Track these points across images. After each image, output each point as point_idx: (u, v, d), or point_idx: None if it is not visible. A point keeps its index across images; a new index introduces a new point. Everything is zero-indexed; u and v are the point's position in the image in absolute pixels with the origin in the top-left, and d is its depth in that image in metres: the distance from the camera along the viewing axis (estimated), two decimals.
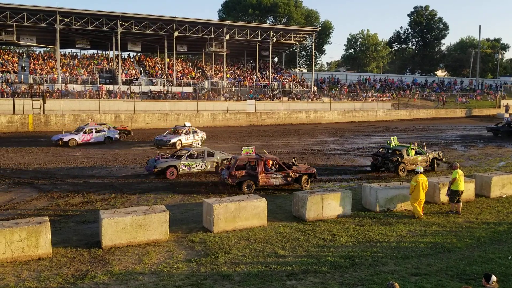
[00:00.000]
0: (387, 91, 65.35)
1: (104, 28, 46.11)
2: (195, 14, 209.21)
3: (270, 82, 57.03)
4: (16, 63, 48.19)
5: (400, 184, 16.40)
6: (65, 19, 43.83)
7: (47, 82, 44.20)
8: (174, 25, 48.84)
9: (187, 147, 22.55)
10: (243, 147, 18.28)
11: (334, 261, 10.61)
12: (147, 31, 48.07)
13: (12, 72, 45.14)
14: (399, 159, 21.00)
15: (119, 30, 46.32)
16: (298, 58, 69.91)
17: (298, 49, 65.85)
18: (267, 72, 59.69)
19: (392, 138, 23.03)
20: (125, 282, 9.36)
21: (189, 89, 50.04)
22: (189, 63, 60.32)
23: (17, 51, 54.44)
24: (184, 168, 20.11)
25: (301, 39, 60.41)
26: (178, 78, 51.72)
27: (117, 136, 31.65)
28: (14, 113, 36.28)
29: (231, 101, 48.69)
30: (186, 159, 20.38)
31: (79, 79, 46.30)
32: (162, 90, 47.62)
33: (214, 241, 11.89)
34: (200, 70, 57.58)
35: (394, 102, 59.79)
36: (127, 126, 35.89)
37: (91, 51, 57.34)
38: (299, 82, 60.75)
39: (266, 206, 13.43)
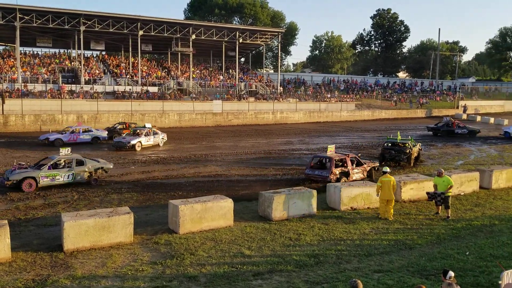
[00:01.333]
0: (350, 92, 66.54)
1: (66, 26, 44.89)
2: (161, 14, 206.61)
3: (237, 83, 57.05)
4: None
5: (363, 183, 16.79)
6: (26, 17, 42.43)
7: (6, 82, 42.63)
8: (139, 24, 48.12)
9: (53, 155, 19.28)
10: (328, 146, 20.39)
11: (299, 259, 10.76)
12: (111, 30, 47.15)
13: None
14: (410, 151, 23.51)
15: (82, 28, 45.22)
16: (264, 59, 70.26)
17: (264, 50, 66.12)
18: (234, 72, 59.68)
19: (397, 132, 26.68)
20: (88, 286, 9.18)
21: (154, 89, 49.41)
22: (154, 62, 59.56)
23: None
24: (45, 179, 17.63)
25: (267, 40, 60.72)
26: (143, 78, 50.98)
27: (106, 136, 31.48)
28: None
29: (197, 101, 48.38)
30: (49, 168, 17.99)
31: (40, 79, 44.87)
32: (125, 90, 46.84)
33: (180, 242, 11.82)
34: (166, 70, 56.96)
35: (358, 102, 60.93)
36: (155, 125, 35.12)
37: (52, 50, 55.71)
38: (266, 82, 61.05)
39: (233, 206, 13.47)
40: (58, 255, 10.81)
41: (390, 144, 24.72)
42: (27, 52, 53.02)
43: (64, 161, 18.60)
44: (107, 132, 31.94)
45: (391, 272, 10.07)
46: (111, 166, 19.78)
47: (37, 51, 54.39)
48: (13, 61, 46.93)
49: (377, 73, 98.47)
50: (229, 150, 29.16)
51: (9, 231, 10.56)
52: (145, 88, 48.78)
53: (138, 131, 29.53)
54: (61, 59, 52.33)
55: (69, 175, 18.16)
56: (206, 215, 12.92)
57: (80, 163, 18.58)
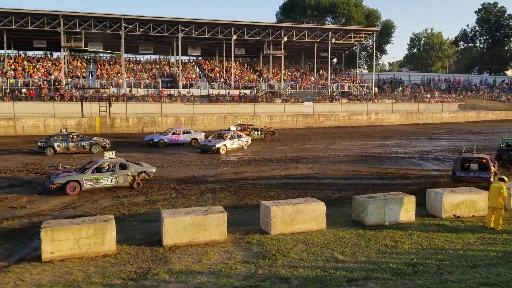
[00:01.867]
0: (453, 91, 62.42)
1: (166, 34, 47.63)
2: (253, 17, 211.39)
3: (329, 84, 56.28)
4: (84, 68, 50.88)
5: (467, 189, 15.53)
6: (129, 26, 45.76)
7: (112, 87, 46.30)
8: (233, 28, 49.52)
9: (98, 159, 19.34)
10: (465, 146, 20.90)
11: (396, 268, 10.19)
12: (207, 36, 49.10)
13: (80, 77, 47.70)
14: None
15: (180, 35, 47.64)
16: (358, 59, 68.46)
17: (358, 50, 64.53)
18: (326, 73, 58.97)
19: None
20: (185, 280, 9.50)
21: (246, 92, 50.50)
22: (246, 66, 60.91)
23: (85, 57, 57.46)
24: (89, 183, 17.72)
25: (361, 39, 59.15)
26: (236, 81, 52.35)
27: (203, 137, 32.18)
28: (82, 116, 38.28)
29: (288, 103, 48.55)
30: (93, 172, 18.06)
31: (142, 83, 48.12)
32: (219, 93, 48.42)
33: (272, 243, 11.82)
34: (258, 72, 57.94)
35: (461, 103, 56.99)
36: (270, 127, 37.31)
37: (153, 56, 59.46)
38: (359, 83, 59.49)
39: (325, 209, 13.18)
40: (158, 249, 11.37)
41: (506, 145, 24.49)
42: (131, 59, 57.13)
43: (108, 164, 18.52)
44: (204, 133, 33.23)
45: (499, 286, 9.16)
46: (154, 170, 19.47)
47: (139, 58, 58.46)
48: (119, 67, 50.80)
49: (483, 71, 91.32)
50: (320, 153, 28.77)
51: (115, 225, 11.33)
52: (237, 91, 50.03)
53: (223, 134, 29.54)
54: (161, 65, 55.59)
55: (112, 178, 18.11)
56: (297, 217, 12.78)
57: (123, 167, 18.48)
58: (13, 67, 47.12)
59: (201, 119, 41.78)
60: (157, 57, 59.52)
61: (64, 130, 28.88)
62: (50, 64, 50.06)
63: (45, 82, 44.71)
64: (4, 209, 15.35)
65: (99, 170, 18.26)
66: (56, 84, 44.75)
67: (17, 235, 12.73)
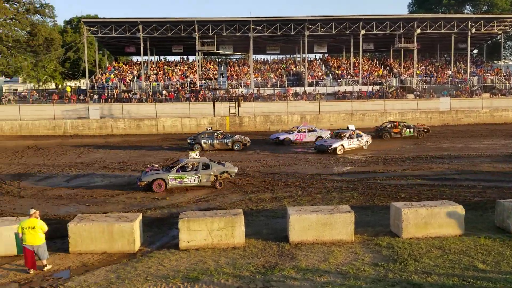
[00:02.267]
0: None
1: (292, 33, 48.19)
2: (382, 11, 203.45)
3: (468, 77, 51.62)
4: (216, 70, 53.98)
5: None
6: (257, 27, 47.28)
7: (241, 87, 48.35)
8: (361, 23, 48.17)
9: (183, 158, 19.76)
10: None
11: None
12: (333, 32, 48.50)
13: (213, 79, 50.71)
14: None
15: (306, 33, 47.83)
16: (502, 49, 61.59)
17: (502, 39, 58.05)
18: (464, 66, 54.20)
19: None
20: (311, 278, 9.43)
21: (375, 88, 48.74)
22: (375, 61, 58.78)
23: (217, 59, 60.88)
24: (173, 181, 18.23)
25: (507, 27, 53.05)
26: (364, 77, 50.87)
27: (328, 135, 31.66)
28: (214, 115, 40.64)
29: (421, 99, 45.67)
30: (177, 171, 18.51)
31: (269, 83, 49.41)
32: (346, 90, 47.49)
33: (403, 247, 11.16)
34: (388, 68, 55.55)
35: None
36: (424, 124, 36.33)
37: (280, 56, 60.67)
38: (504, 76, 53.50)
39: (463, 214, 12.04)
40: (284, 245, 11.49)
41: None
42: (259, 59, 59.02)
43: (192, 164, 18.86)
44: (329, 132, 32.83)
45: None
46: (236, 170, 19.35)
47: (266, 58, 60.10)
48: (247, 68, 52.81)
49: None
50: (458, 152, 26.49)
51: (244, 220, 11.74)
52: (365, 87, 48.56)
53: (340, 133, 28.28)
54: (287, 64, 56.44)
55: (195, 178, 18.38)
56: (431, 221, 11.88)
57: (206, 166, 18.70)
58: (155, 71, 51.97)
59: (327, 117, 41.43)
60: (284, 56, 60.57)
61: (210, 128, 30.87)
62: (186, 68, 54.14)
63: (183, 85, 48.48)
64: (147, 200, 16.94)
65: (183, 169, 18.73)
66: (192, 86, 48.21)
67: (158, 224, 13.95)
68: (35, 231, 10.28)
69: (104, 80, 49.01)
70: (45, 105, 42.32)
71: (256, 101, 43.92)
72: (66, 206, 16.33)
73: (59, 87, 64.99)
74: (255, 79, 49.90)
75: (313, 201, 16.13)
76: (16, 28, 53.48)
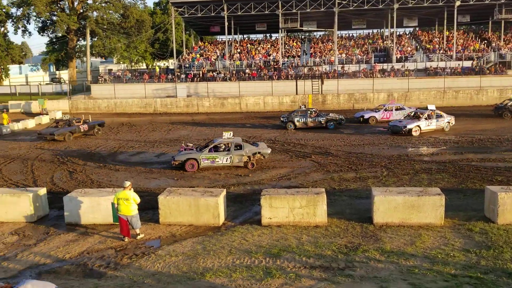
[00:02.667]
0: None
1: (380, 6, 45.96)
2: None
3: None
4: (299, 48, 53.33)
5: None
6: (343, 2, 45.73)
7: (325, 64, 47.38)
8: None
9: (216, 138, 19.88)
10: None
11: None
12: (425, 4, 45.49)
13: (295, 56, 50.22)
14: None
15: (395, 6, 45.38)
16: None
17: None
18: None
19: None
20: (396, 261, 9.13)
21: (470, 63, 45.25)
22: (471, 34, 54.45)
23: (300, 36, 60.08)
24: (205, 161, 18.28)
25: None
26: (458, 52, 47.41)
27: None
28: (296, 93, 40.36)
29: None
30: (210, 151, 18.47)
31: (354, 59, 47.87)
32: (438, 66, 44.62)
33: (498, 233, 10.39)
34: (485, 41, 51.22)
35: None
36: None
37: (366, 31, 58.38)
38: None
39: None
40: (368, 226, 11.21)
41: None
42: (343, 35, 57.28)
43: (224, 144, 18.83)
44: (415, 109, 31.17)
45: None
46: (269, 151, 19.07)
47: (352, 34, 58.13)
48: (331, 44, 51.53)
49: None
50: None
51: (326, 199, 11.60)
52: (459, 63, 45.28)
53: (418, 113, 26.16)
54: (374, 39, 54.21)
55: (227, 158, 18.33)
56: None
57: (238, 147, 18.57)
58: (238, 50, 52.63)
59: (416, 95, 39.32)
60: (370, 31, 58.22)
61: (303, 106, 30.59)
62: (269, 46, 54.15)
63: (266, 63, 48.64)
64: (231, 176, 17.38)
65: (216, 149, 18.78)
66: (274, 64, 48.19)
67: (241, 199, 14.27)
68: (129, 202, 10.99)
69: (190, 59, 50.66)
70: (137, 84, 44.82)
71: (340, 78, 42.87)
72: (156, 179, 17.27)
73: (149, 67, 68.37)
74: (340, 55, 48.62)
75: (399, 182, 15.51)
76: (110, 11, 56.86)
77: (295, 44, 54.65)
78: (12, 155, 22.98)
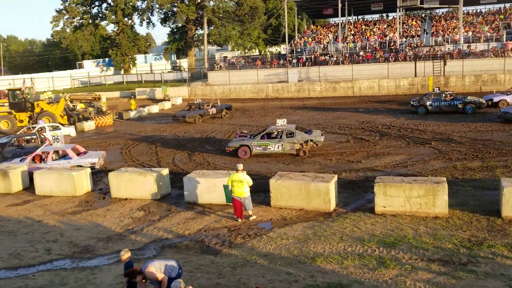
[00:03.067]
0: None
1: None
2: None
3: None
4: (419, 27, 49.95)
5: None
6: None
7: (448, 43, 43.84)
8: None
9: (270, 126, 19.52)
10: None
11: None
12: None
13: (415, 36, 47.18)
14: None
15: None
16: None
17: None
18: None
19: None
20: None
21: None
22: None
23: (420, 15, 56.26)
24: (257, 148, 18.29)
25: None
26: None
27: None
28: (415, 75, 38.00)
29: None
30: (262, 138, 18.45)
31: (482, 37, 43.52)
32: None
33: None
34: None
35: None
36: None
37: (496, 6, 52.66)
38: None
39: None
40: (495, 220, 10.23)
41: None
42: (470, 11, 52.32)
43: (277, 131, 18.69)
44: None
45: None
46: (322, 139, 18.40)
47: (480, 9, 52.86)
48: (456, 22, 47.44)
49: None
50: None
51: (447, 189, 10.76)
52: None
53: None
54: (506, 14, 48.72)
55: (278, 145, 18.16)
56: None
57: (290, 134, 18.30)
58: (352, 32, 51.01)
59: None
60: (501, 6, 52.38)
61: (437, 89, 28.52)
62: (385, 26, 51.62)
63: (381, 44, 46.52)
64: (343, 162, 17.01)
65: (268, 136, 18.74)
66: (391, 45, 45.86)
67: (353, 186, 13.90)
68: (242, 185, 11.34)
69: (302, 44, 50.44)
70: (249, 70, 45.94)
71: (465, 58, 39.38)
72: (267, 163, 17.59)
73: (262, 53, 69.64)
74: (465, 33, 44.58)
75: None
76: (226, 0, 58.86)
77: (414, 23, 51.38)
78: (139, 138, 25.13)
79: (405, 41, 45.91)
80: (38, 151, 17.45)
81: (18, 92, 30.71)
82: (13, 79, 47.71)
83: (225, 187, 12.16)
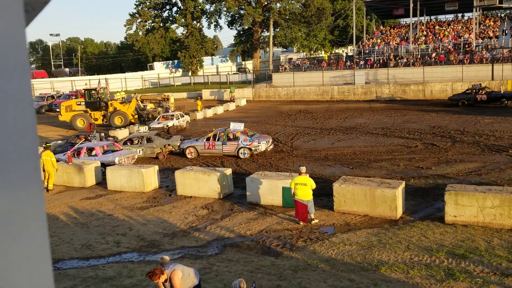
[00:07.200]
0: None
1: None
2: None
3: None
4: (497, 27, 47.02)
5: None
6: None
7: None
8: None
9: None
10: None
11: None
12: None
13: (493, 37, 44.46)
14: None
15: None
16: None
17: None
18: None
19: None
20: None
21: None
22: None
23: (499, 15, 52.96)
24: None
25: None
26: None
27: None
28: (492, 79, 35.78)
29: None
30: (125, 144, 20.18)
31: None
32: None
33: None
34: None
35: None
36: None
37: None
38: None
39: None
40: None
41: None
42: None
43: (138, 138, 20.76)
44: None
45: None
46: (178, 144, 20.33)
47: None
48: None
49: None
50: None
51: None
52: None
53: None
54: None
55: (139, 150, 19.90)
56: None
57: (149, 140, 20.33)
58: (424, 33, 49.00)
59: None
60: None
61: None
62: (460, 27, 49.12)
63: (455, 46, 44.29)
64: (411, 168, 16.35)
65: (131, 142, 20.57)
66: (466, 46, 43.54)
67: (422, 193, 13.31)
68: (306, 187, 11.22)
69: (370, 45, 49.24)
70: (315, 72, 45.54)
71: None
72: (331, 167, 17.31)
73: (324, 54, 68.83)
74: None
75: None
76: (292, 1, 58.82)
77: (492, 23, 48.46)
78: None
79: (482, 43, 43.42)
80: (75, 147, 19.44)
81: (93, 92, 32.52)
82: (89, 79, 50.82)
83: (284, 189, 12.09)
